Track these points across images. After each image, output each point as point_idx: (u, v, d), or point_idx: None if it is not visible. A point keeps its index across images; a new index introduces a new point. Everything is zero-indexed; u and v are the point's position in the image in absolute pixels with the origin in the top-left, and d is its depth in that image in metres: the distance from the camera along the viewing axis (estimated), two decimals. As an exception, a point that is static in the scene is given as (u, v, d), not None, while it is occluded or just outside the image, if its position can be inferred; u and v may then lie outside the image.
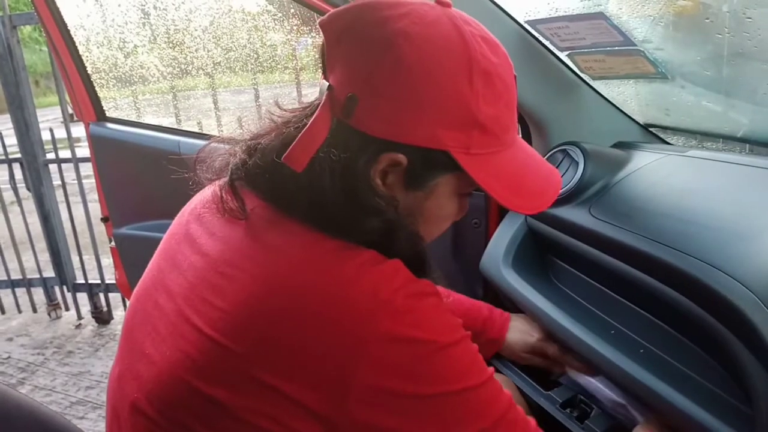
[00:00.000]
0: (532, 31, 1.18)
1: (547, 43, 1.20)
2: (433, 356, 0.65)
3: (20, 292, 3.55)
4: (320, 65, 0.75)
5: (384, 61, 0.66)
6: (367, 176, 0.69)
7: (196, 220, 0.80)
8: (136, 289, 0.83)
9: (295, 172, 0.69)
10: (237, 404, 0.64)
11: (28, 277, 3.53)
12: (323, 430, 0.63)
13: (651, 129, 1.38)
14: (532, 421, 0.76)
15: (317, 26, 0.73)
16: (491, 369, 0.72)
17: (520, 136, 1.40)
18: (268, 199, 0.74)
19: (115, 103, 2.23)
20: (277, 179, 0.73)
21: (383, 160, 0.69)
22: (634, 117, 1.35)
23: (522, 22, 1.18)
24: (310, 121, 0.68)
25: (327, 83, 0.70)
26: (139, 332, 0.76)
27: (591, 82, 1.28)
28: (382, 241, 0.71)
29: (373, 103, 0.67)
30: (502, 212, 1.41)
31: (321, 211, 0.70)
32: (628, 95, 1.34)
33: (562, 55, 1.23)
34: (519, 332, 1.18)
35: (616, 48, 1.10)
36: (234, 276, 0.69)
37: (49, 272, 3.52)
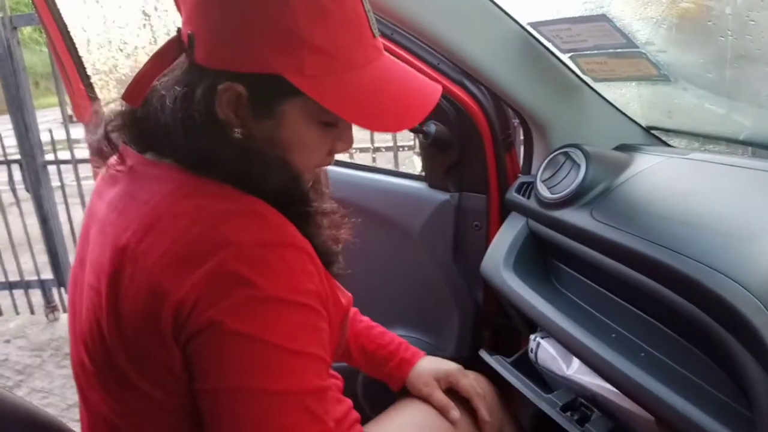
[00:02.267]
0: (534, 33, 1.18)
1: (549, 45, 1.20)
2: (263, 303, 0.65)
3: (18, 293, 3.54)
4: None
5: None
6: (209, 107, 0.70)
7: (96, 194, 0.84)
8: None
9: (149, 114, 0.74)
10: (123, 344, 0.70)
11: (26, 278, 3.52)
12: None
13: (653, 131, 1.37)
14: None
15: None
16: (326, 358, 0.71)
17: (521, 137, 1.41)
18: (141, 150, 0.78)
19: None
20: (138, 122, 0.77)
21: (223, 91, 0.70)
22: (636, 119, 1.35)
23: (524, 24, 1.17)
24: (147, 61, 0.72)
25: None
26: (74, 304, 0.82)
27: (593, 84, 1.28)
28: (245, 172, 0.72)
29: (205, 36, 0.69)
30: (503, 215, 1.40)
31: (176, 148, 0.73)
32: (630, 97, 1.34)
33: (564, 57, 1.23)
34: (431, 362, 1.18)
35: (619, 50, 1.10)
36: (109, 232, 0.74)
37: (47, 274, 3.52)
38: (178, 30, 0.73)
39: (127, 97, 0.72)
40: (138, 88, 0.72)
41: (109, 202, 0.77)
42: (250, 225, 0.68)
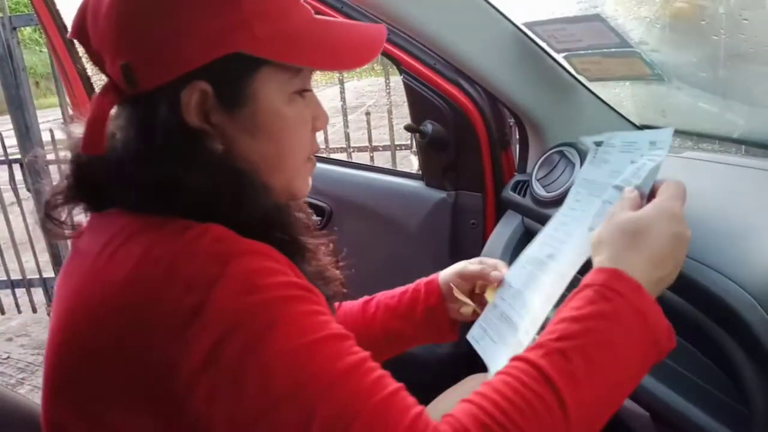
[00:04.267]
0: (529, 33, 1.19)
1: (543, 44, 1.20)
2: (260, 305, 0.59)
3: (20, 292, 3.55)
4: (100, 73, 0.73)
5: (122, 16, 0.65)
6: (178, 123, 0.66)
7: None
8: None
9: (104, 165, 0.68)
10: (80, 425, 0.63)
11: (28, 277, 3.53)
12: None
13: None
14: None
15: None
16: (344, 332, 0.63)
17: (517, 136, 1.42)
18: (92, 209, 0.73)
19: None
20: (90, 179, 0.71)
21: (188, 95, 0.65)
22: (630, 118, 1.35)
23: (519, 24, 1.18)
24: (90, 112, 0.66)
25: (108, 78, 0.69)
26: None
27: (587, 84, 1.29)
28: (214, 198, 0.66)
29: (145, 56, 0.65)
30: (500, 213, 1.41)
31: (130, 188, 0.67)
32: (624, 96, 1.34)
33: (559, 57, 1.23)
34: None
35: (613, 50, 1.11)
36: (60, 296, 0.69)
37: (49, 272, 3.53)
38: (108, 76, 0.68)
39: (89, 147, 0.66)
40: (95, 134, 0.66)
41: (64, 265, 0.73)
42: (193, 242, 0.62)
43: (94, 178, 0.70)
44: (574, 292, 0.69)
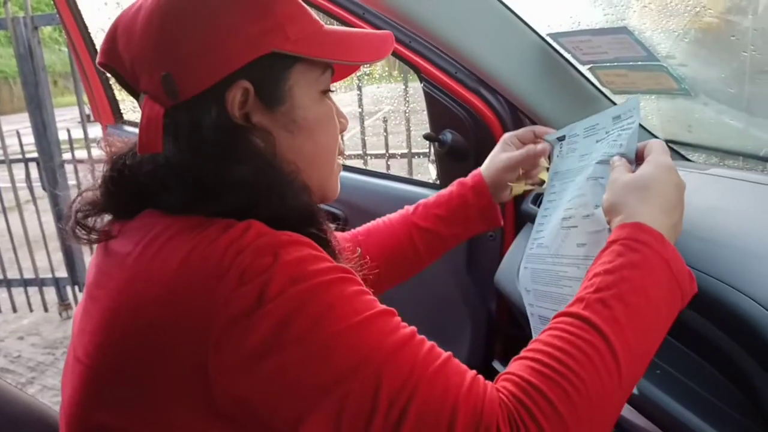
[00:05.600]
0: (554, 44, 1.18)
1: (568, 56, 1.19)
2: (312, 293, 0.61)
3: (32, 291, 3.58)
4: (130, 95, 0.76)
5: (163, 28, 0.69)
6: (226, 121, 0.70)
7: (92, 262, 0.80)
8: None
9: (151, 168, 0.71)
10: (123, 425, 0.64)
11: (41, 276, 3.55)
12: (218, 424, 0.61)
13: (672, 145, 1.36)
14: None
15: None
16: (390, 309, 0.66)
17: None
18: (125, 216, 0.74)
19: (133, 105, 2.24)
20: (130, 185, 0.73)
21: (231, 98, 0.70)
22: (654, 133, 1.34)
23: (544, 35, 1.17)
24: (141, 116, 0.69)
25: (142, 94, 0.71)
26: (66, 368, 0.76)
27: (612, 97, 1.27)
28: (261, 197, 0.69)
29: (185, 64, 0.69)
30: (518, 225, 1.40)
31: (182, 190, 0.69)
32: (650, 110, 1.33)
33: (584, 69, 1.22)
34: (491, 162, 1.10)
35: (639, 63, 1.09)
36: (98, 296, 0.70)
37: (62, 272, 3.55)
38: (145, 93, 0.70)
39: (145, 148, 0.69)
40: (150, 135, 0.68)
41: (96, 265, 0.74)
42: (243, 247, 0.63)
43: (135, 183, 0.72)
44: (603, 250, 0.73)
